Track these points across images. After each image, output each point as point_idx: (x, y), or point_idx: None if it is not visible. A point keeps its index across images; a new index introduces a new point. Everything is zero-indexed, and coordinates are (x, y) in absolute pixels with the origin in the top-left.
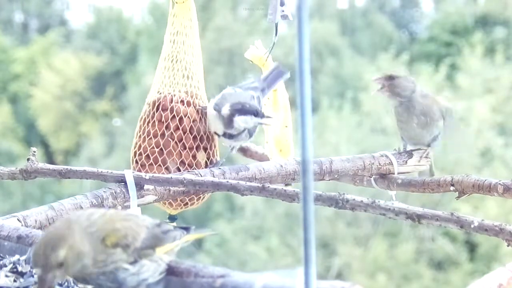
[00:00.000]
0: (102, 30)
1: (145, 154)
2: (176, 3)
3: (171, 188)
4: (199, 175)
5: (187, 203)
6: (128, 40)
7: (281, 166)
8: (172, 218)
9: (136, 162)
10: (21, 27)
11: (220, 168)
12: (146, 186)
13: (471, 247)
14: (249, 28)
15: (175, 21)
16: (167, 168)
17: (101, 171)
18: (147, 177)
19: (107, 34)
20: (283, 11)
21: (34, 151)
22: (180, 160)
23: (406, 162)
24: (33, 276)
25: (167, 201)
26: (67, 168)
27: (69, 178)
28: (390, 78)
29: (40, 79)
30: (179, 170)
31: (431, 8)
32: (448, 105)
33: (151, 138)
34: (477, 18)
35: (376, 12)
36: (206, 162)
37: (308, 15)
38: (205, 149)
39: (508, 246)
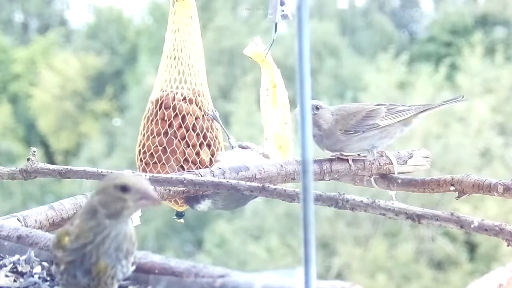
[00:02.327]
0: (102, 30)
1: (149, 152)
2: (177, 1)
3: (171, 188)
4: (199, 175)
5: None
6: (128, 40)
7: (281, 166)
8: (179, 215)
9: (141, 160)
10: (21, 27)
11: (220, 168)
12: None
13: (471, 247)
14: (249, 28)
15: (175, 19)
16: (170, 167)
17: (101, 171)
18: (147, 177)
19: (107, 34)
20: (283, 11)
21: (34, 151)
22: (184, 158)
23: (406, 162)
24: (33, 276)
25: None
26: (67, 168)
27: (69, 178)
28: (316, 108)
29: (40, 79)
30: (183, 169)
31: (431, 8)
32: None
33: (154, 136)
34: (477, 18)
35: (376, 12)
36: (210, 159)
37: (308, 15)
38: (208, 146)
39: (508, 246)
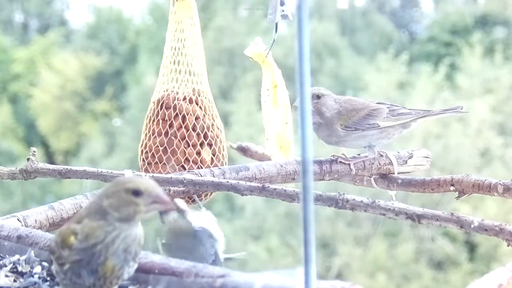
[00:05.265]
0: (102, 30)
1: (151, 152)
2: (177, 1)
3: (171, 188)
4: (199, 175)
5: (194, 200)
6: (128, 40)
7: (281, 166)
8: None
9: (143, 160)
10: (21, 27)
11: (220, 168)
12: None
13: (471, 247)
14: (249, 28)
15: (176, 19)
16: (171, 167)
17: (101, 171)
18: (147, 177)
19: (107, 34)
20: (283, 11)
21: (34, 151)
22: (184, 158)
23: (406, 162)
24: (33, 276)
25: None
26: (67, 168)
27: (69, 178)
28: (317, 97)
29: (40, 79)
30: (184, 168)
31: (431, 8)
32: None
33: (155, 136)
34: (477, 18)
35: (376, 12)
36: (212, 158)
37: (308, 15)
38: (209, 145)
39: (508, 246)
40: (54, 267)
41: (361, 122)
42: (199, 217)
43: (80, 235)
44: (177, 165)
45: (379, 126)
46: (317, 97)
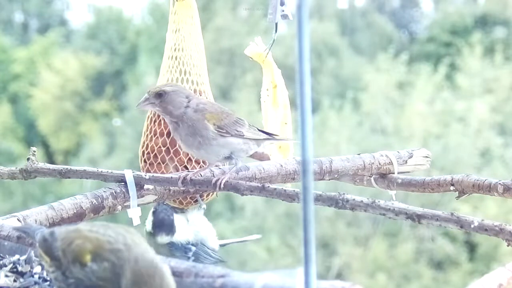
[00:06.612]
0: (102, 30)
1: (153, 153)
2: (177, 1)
3: (171, 188)
4: (199, 174)
5: (197, 200)
6: (128, 40)
7: (281, 165)
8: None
9: (145, 161)
10: (21, 27)
11: (220, 168)
12: (146, 186)
13: (471, 247)
14: (249, 28)
15: (176, 19)
16: (174, 167)
17: (101, 171)
18: (147, 177)
19: (107, 34)
20: (283, 10)
21: (34, 151)
22: (187, 158)
23: (406, 161)
24: (33, 276)
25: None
26: (67, 168)
27: (69, 178)
28: (158, 95)
29: (40, 79)
30: (187, 169)
31: (431, 8)
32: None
33: (157, 137)
34: (477, 18)
35: (376, 12)
36: None
37: (308, 15)
38: None
39: (508, 246)
40: (52, 273)
41: (231, 126)
42: (182, 228)
43: (101, 263)
44: (180, 165)
45: (244, 135)
46: (158, 95)
